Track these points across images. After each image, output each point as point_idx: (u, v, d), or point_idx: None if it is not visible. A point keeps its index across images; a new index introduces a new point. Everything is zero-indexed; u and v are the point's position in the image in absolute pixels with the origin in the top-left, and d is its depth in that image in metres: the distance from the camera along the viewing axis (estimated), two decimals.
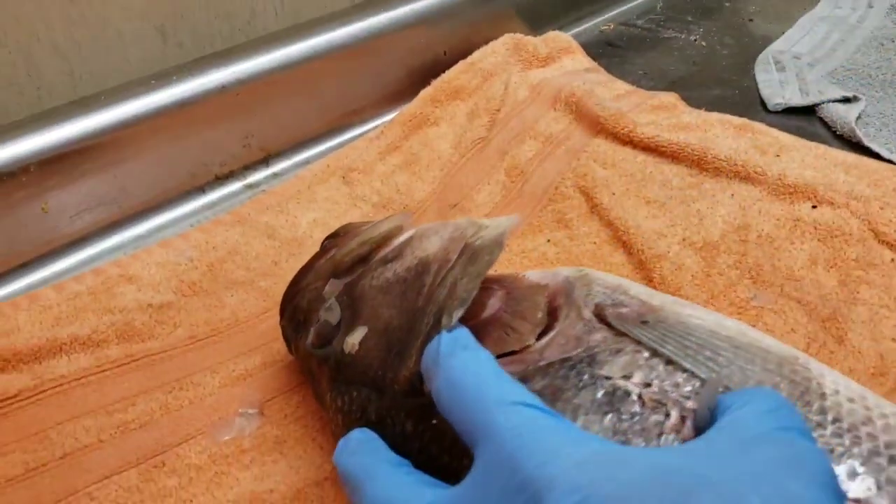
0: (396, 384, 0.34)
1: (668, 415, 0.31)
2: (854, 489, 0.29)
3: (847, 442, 0.30)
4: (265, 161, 0.65)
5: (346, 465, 0.32)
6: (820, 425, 0.31)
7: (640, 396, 0.31)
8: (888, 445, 0.30)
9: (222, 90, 0.60)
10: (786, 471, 0.24)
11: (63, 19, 0.57)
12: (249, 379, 0.47)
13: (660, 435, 0.30)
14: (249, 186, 0.64)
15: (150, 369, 0.47)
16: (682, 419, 0.30)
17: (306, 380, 0.44)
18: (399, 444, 0.34)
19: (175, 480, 0.41)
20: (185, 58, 0.62)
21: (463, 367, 0.30)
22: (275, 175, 0.65)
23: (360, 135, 0.68)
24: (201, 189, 0.62)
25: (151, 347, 0.48)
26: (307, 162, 0.66)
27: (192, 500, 0.40)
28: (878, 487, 0.29)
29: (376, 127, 0.68)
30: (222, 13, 0.65)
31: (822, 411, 0.31)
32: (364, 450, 0.33)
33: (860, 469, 0.29)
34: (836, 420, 0.31)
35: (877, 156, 0.64)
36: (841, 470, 0.29)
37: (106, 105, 0.56)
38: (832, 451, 0.30)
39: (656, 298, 0.37)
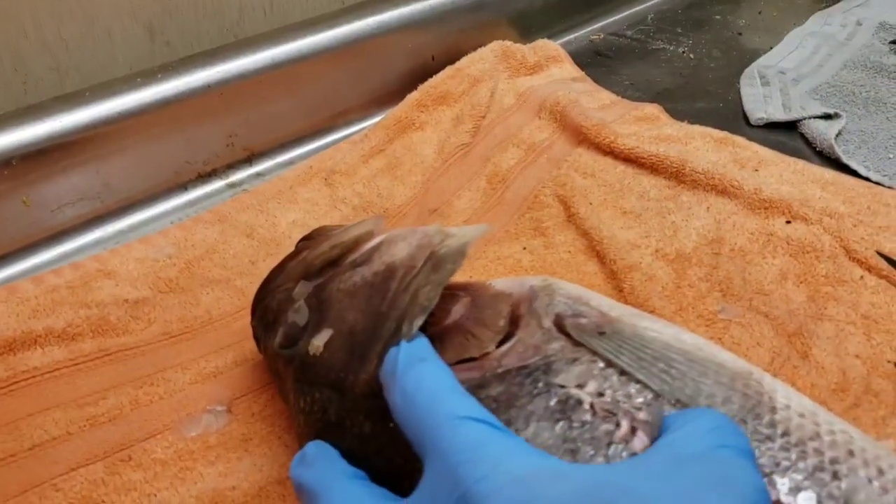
0: (357, 386, 0.35)
1: (618, 424, 0.31)
2: (797, 503, 0.29)
3: (794, 456, 0.31)
4: (248, 160, 0.66)
5: (302, 478, 0.33)
6: (769, 438, 0.31)
7: (591, 406, 0.32)
8: (833, 461, 0.31)
9: (208, 89, 0.61)
10: (713, 489, 0.24)
11: (51, 15, 0.57)
12: (220, 376, 0.47)
13: (609, 444, 0.31)
14: (232, 185, 0.65)
15: (122, 364, 0.47)
16: (633, 429, 0.31)
17: (274, 379, 0.45)
18: (357, 446, 0.34)
19: (140, 475, 0.41)
20: (172, 56, 0.63)
21: (417, 381, 0.30)
22: (258, 175, 0.66)
23: (345, 137, 0.69)
24: (184, 187, 0.63)
25: (125, 342, 0.49)
26: (290, 163, 0.67)
27: (156, 495, 0.40)
28: (819, 502, 0.29)
29: (361, 130, 0.69)
30: (211, 12, 0.66)
31: (772, 425, 0.32)
32: (319, 463, 0.34)
33: (804, 483, 0.30)
34: (784, 434, 0.32)
35: (855, 173, 0.65)
36: (785, 482, 0.30)
37: (91, 101, 0.56)
38: (778, 464, 0.30)
39: (616, 310, 0.38)
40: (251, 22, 0.69)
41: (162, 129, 0.60)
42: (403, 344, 0.33)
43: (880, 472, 0.31)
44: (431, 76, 0.73)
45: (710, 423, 0.28)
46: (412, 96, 0.71)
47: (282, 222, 0.59)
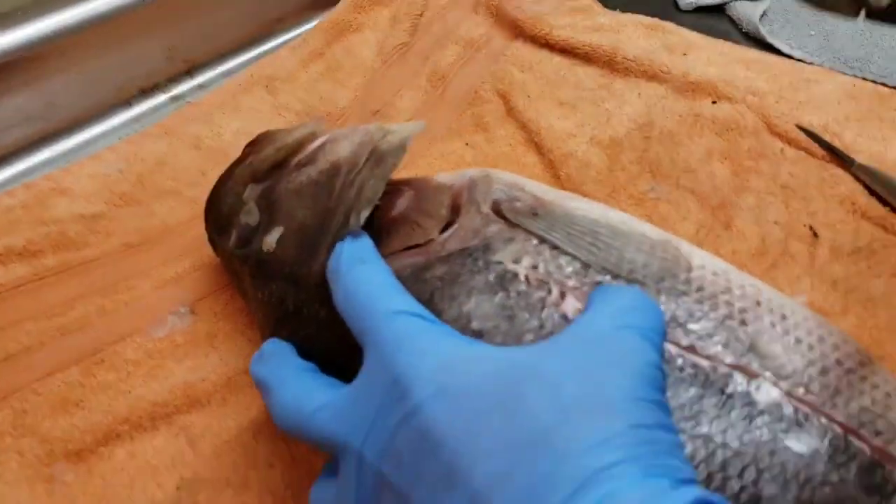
0: (310, 277, 0.38)
1: (549, 291, 0.35)
2: (708, 347, 0.33)
3: (706, 307, 0.34)
4: (189, 72, 0.67)
5: (258, 372, 0.36)
6: (684, 293, 0.35)
7: (526, 277, 0.35)
8: (741, 311, 0.35)
9: (143, 3, 0.61)
10: (613, 366, 0.28)
11: None
12: (181, 281, 0.49)
13: (542, 308, 0.34)
14: (174, 98, 0.65)
15: (85, 276, 0.50)
16: (562, 294, 0.34)
17: (232, 279, 0.47)
18: (315, 331, 0.38)
19: (114, 375, 0.44)
20: None
21: (357, 280, 0.34)
22: (200, 86, 0.67)
23: (283, 43, 0.70)
24: (127, 102, 0.64)
25: (86, 255, 0.51)
26: (231, 72, 0.68)
27: (130, 392, 0.43)
28: (726, 344, 0.33)
29: (299, 35, 0.70)
30: None
31: (687, 282, 0.36)
32: (274, 358, 0.37)
33: (715, 329, 0.34)
34: (698, 289, 0.35)
35: (779, 52, 0.67)
36: (697, 328, 0.34)
37: (27, 20, 0.56)
38: (692, 314, 0.34)
39: (549, 194, 0.40)
40: None
41: (101, 45, 0.60)
42: (347, 244, 0.36)
43: (783, 317, 0.35)
44: None
45: (621, 303, 0.31)
46: None
47: (227, 132, 0.60)
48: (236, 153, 0.52)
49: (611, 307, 0.31)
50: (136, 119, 0.63)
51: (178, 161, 0.58)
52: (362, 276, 0.34)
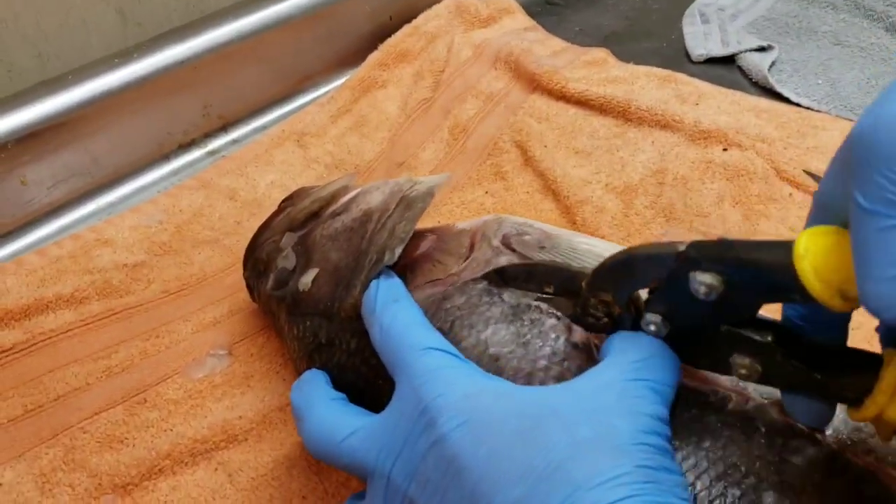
0: (343, 310, 0.41)
1: (559, 319, 0.37)
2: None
3: None
4: (224, 128, 0.70)
5: (294, 398, 0.40)
6: None
7: (538, 307, 0.38)
8: None
9: (181, 64, 0.65)
10: (620, 410, 0.30)
11: (29, 8, 0.61)
12: (218, 325, 0.52)
13: (556, 338, 0.36)
14: (211, 153, 0.69)
15: (128, 321, 0.53)
16: (568, 326, 0.37)
17: (269, 323, 0.50)
18: (346, 360, 0.41)
19: (156, 413, 0.47)
20: (144, 36, 0.67)
21: (392, 318, 0.37)
22: (234, 141, 0.70)
23: (313, 100, 0.73)
24: (166, 157, 0.67)
25: (129, 302, 0.54)
26: (263, 128, 0.71)
27: (172, 429, 0.46)
28: None
29: (327, 92, 0.73)
30: None
31: None
32: (309, 386, 0.40)
33: None
34: None
35: (788, 100, 0.70)
36: None
37: (74, 84, 0.60)
38: None
39: (556, 230, 0.43)
40: None
41: (141, 105, 0.64)
42: (381, 282, 0.39)
43: None
44: (390, 36, 0.77)
45: (637, 354, 0.33)
46: (373, 56, 0.75)
47: (261, 184, 0.64)
48: (270, 204, 0.55)
49: (626, 357, 0.33)
50: (175, 173, 0.67)
51: (214, 212, 0.61)
52: (396, 313, 0.37)
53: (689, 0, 0.89)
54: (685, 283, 0.31)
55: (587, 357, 0.36)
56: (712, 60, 0.78)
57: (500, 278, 0.39)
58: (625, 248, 0.34)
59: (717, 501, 0.32)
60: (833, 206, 0.29)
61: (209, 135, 0.70)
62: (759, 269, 0.29)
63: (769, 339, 0.31)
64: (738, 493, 0.32)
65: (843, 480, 0.32)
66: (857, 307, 0.26)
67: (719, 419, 0.34)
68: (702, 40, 0.80)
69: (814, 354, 0.31)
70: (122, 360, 0.50)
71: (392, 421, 0.34)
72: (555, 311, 0.37)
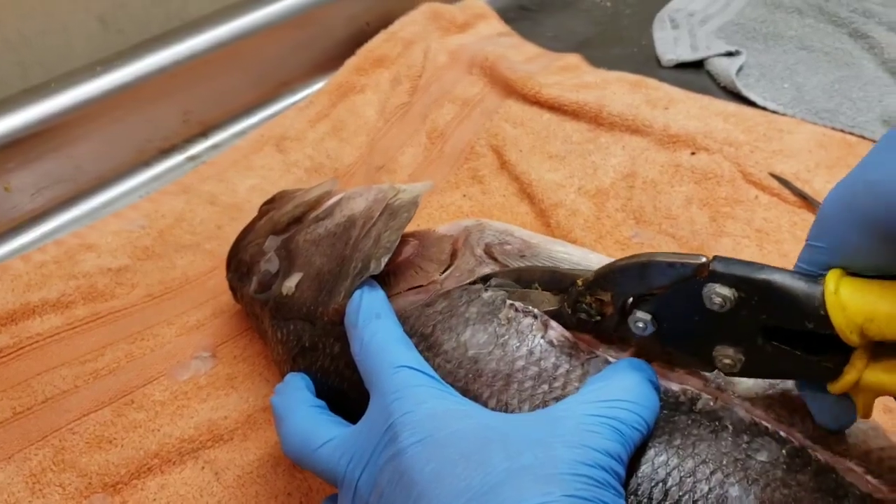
0: (326, 315, 0.42)
1: (535, 317, 0.39)
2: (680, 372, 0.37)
3: None
4: (204, 134, 0.72)
5: (275, 403, 0.41)
6: None
7: (514, 308, 0.39)
8: None
9: (161, 71, 0.66)
10: (568, 443, 0.32)
11: (11, 14, 0.62)
12: (202, 328, 0.54)
13: (531, 334, 0.38)
14: (191, 158, 0.70)
15: (114, 324, 0.54)
16: (545, 323, 0.39)
17: (251, 325, 0.51)
18: (329, 364, 0.42)
19: (143, 414, 0.48)
20: (125, 44, 0.68)
21: (372, 334, 0.38)
22: (214, 146, 0.72)
23: (291, 105, 0.75)
24: (147, 163, 0.69)
25: (114, 306, 0.55)
26: (243, 133, 0.73)
27: (159, 430, 0.47)
28: None
29: (306, 97, 0.75)
30: (157, 0, 0.71)
31: None
32: (290, 391, 0.41)
33: None
34: None
35: (755, 104, 0.72)
36: None
37: (56, 91, 0.62)
38: None
39: (535, 239, 0.45)
40: (195, 5, 0.74)
41: (123, 111, 0.65)
42: (364, 294, 0.40)
43: None
44: (367, 41, 0.78)
45: (611, 394, 0.34)
46: (351, 61, 0.76)
47: (241, 188, 0.65)
48: (250, 208, 0.56)
49: (600, 394, 0.34)
50: (156, 178, 0.68)
51: (195, 216, 0.62)
52: (377, 329, 0.39)
53: (659, 5, 0.91)
54: (696, 292, 0.33)
55: (564, 355, 0.38)
56: (682, 65, 0.80)
57: (485, 287, 0.41)
58: (643, 252, 0.35)
59: (687, 496, 0.33)
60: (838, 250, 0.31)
61: (189, 140, 0.71)
62: (784, 294, 0.31)
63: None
64: (706, 488, 0.33)
65: (804, 475, 0.34)
66: (868, 342, 0.30)
67: (689, 418, 0.36)
68: (671, 45, 0.82)
69: (794, 337, 0.32)
70: (108, 363, 0.51)
71: (363, 433, 0.35)
72: (532, 310, 0.39)
